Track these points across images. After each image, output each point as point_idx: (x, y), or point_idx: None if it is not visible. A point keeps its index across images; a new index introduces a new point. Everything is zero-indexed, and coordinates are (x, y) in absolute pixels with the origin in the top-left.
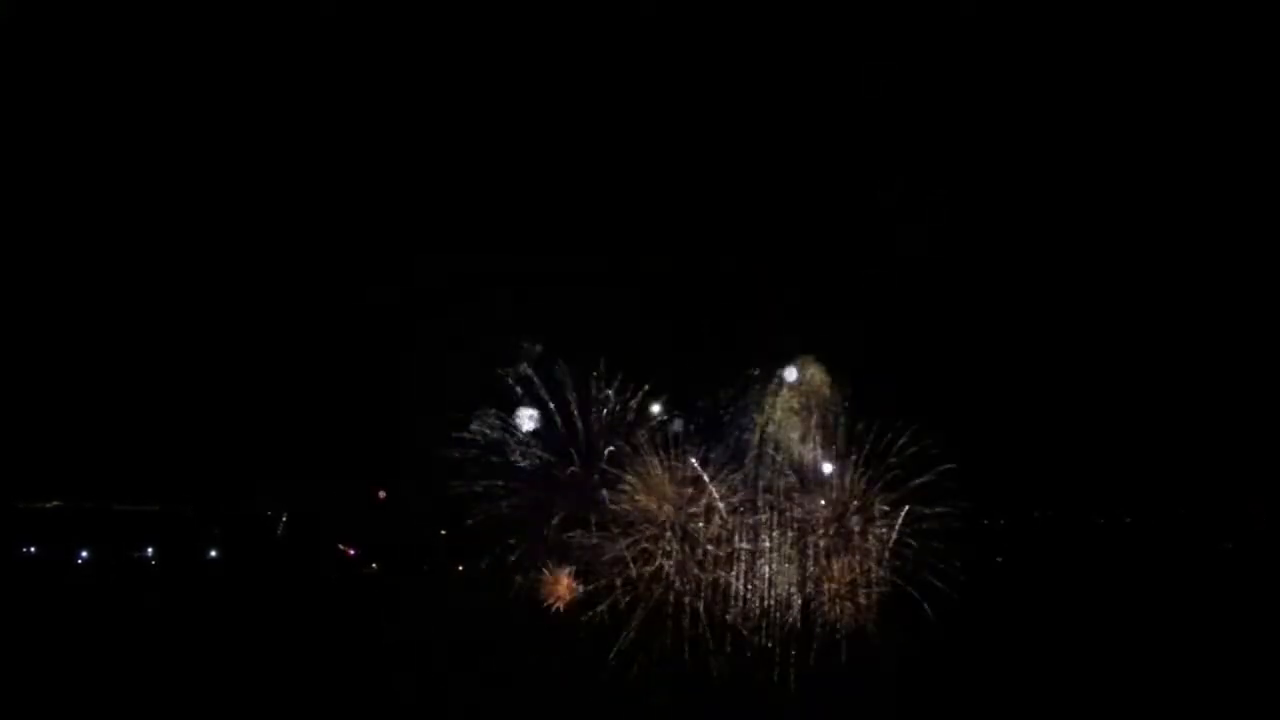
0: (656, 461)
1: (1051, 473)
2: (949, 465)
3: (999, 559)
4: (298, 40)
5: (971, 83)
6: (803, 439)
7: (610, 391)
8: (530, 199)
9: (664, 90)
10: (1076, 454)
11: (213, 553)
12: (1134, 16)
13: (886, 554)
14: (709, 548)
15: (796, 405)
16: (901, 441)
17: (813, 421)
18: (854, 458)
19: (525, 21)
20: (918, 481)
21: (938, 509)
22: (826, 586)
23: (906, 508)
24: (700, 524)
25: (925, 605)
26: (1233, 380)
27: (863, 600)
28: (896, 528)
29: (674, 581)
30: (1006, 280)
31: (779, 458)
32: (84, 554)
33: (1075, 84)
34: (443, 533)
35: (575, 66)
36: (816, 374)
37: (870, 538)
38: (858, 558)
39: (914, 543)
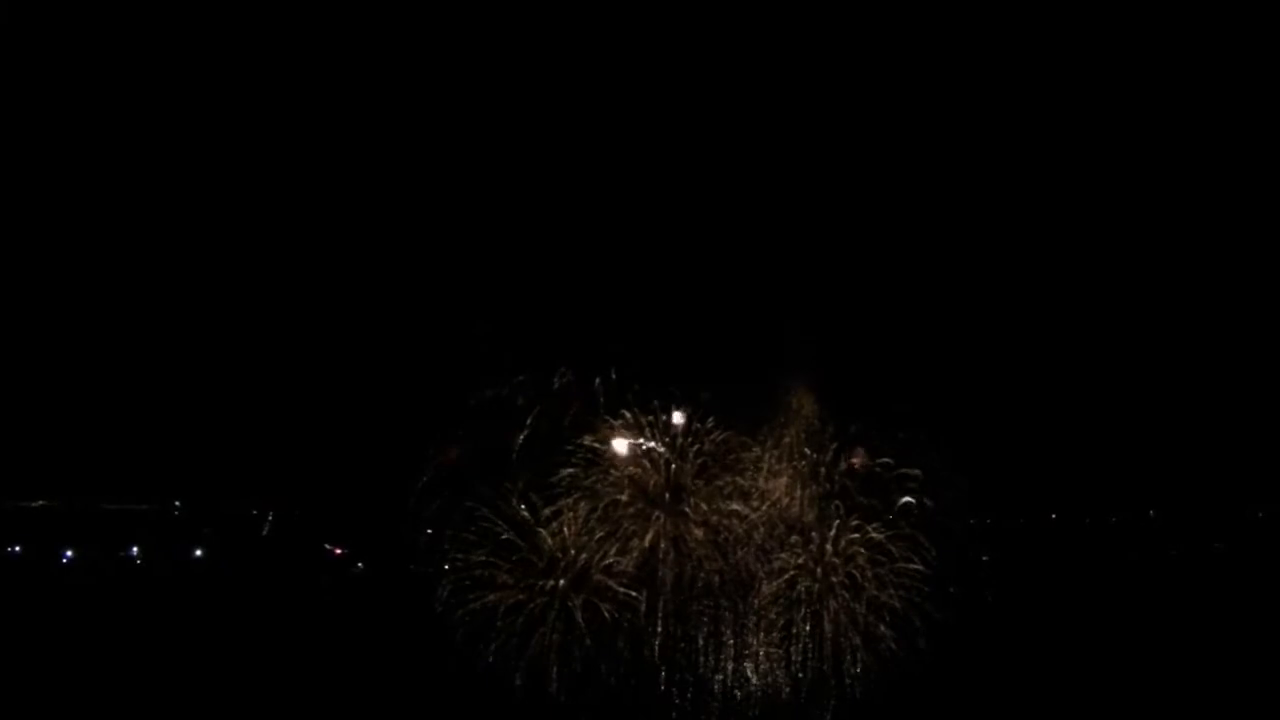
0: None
1: (1042, 474)
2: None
3: (985, 558)
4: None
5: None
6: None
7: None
8: (535, 205)
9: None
10: (1067, 455)
11: (198, 552)
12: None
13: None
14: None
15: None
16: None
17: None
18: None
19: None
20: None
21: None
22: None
23: (904, 498)
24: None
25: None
26: (1228, 381)
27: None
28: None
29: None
30: (1000, 284)
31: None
32: (69, 553)
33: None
34: (429, 532)
35: (577, 72)
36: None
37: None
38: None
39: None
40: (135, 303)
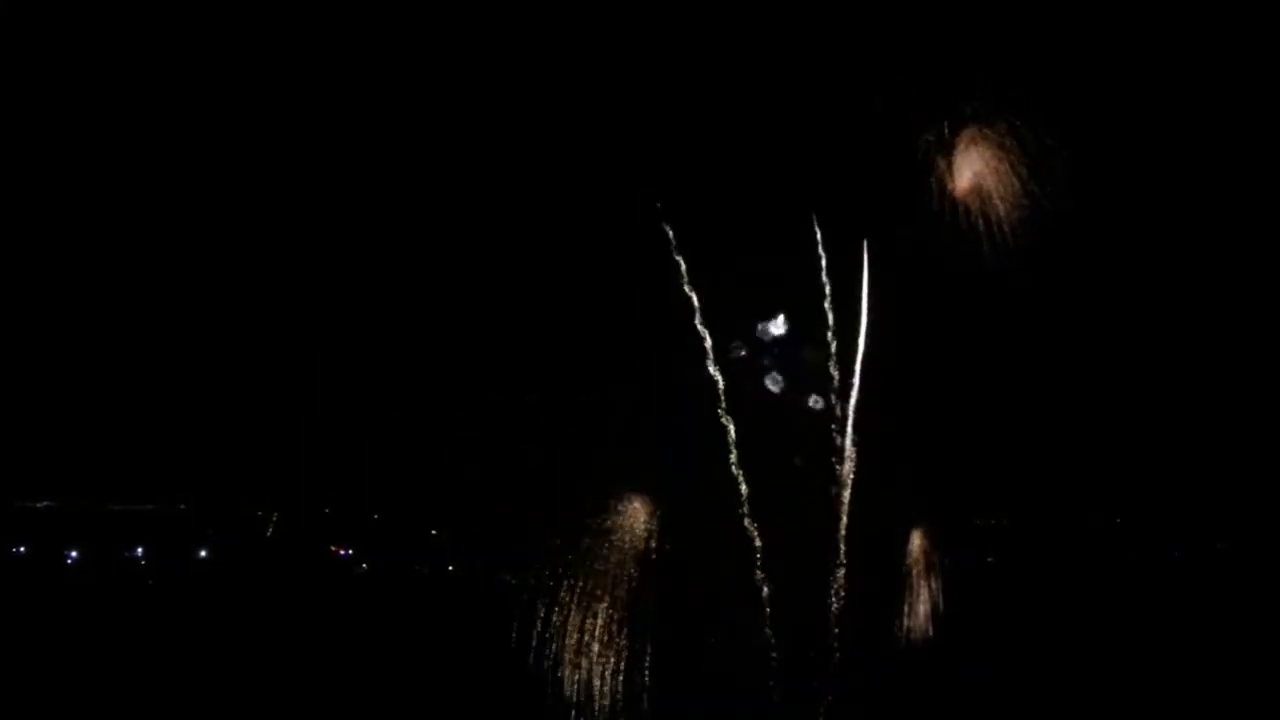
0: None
1: (1041, 475)
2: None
3: (989, 559)
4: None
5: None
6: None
7: None
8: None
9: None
10: (1065, 456)
11: (203, 553)
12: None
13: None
14: None
15: None
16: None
17: None
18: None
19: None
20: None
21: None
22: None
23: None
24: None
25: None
26: (1227, 380)
27: None
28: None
29: None
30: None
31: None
32: (74, 554)
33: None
34: (433, 532)
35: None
36: None
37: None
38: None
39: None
40: (141, 304)
